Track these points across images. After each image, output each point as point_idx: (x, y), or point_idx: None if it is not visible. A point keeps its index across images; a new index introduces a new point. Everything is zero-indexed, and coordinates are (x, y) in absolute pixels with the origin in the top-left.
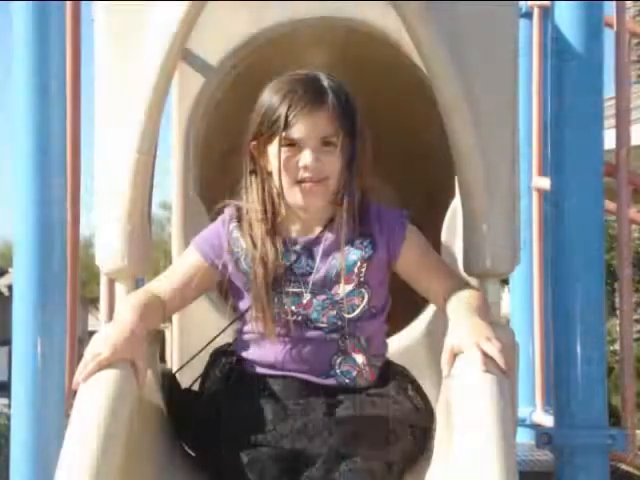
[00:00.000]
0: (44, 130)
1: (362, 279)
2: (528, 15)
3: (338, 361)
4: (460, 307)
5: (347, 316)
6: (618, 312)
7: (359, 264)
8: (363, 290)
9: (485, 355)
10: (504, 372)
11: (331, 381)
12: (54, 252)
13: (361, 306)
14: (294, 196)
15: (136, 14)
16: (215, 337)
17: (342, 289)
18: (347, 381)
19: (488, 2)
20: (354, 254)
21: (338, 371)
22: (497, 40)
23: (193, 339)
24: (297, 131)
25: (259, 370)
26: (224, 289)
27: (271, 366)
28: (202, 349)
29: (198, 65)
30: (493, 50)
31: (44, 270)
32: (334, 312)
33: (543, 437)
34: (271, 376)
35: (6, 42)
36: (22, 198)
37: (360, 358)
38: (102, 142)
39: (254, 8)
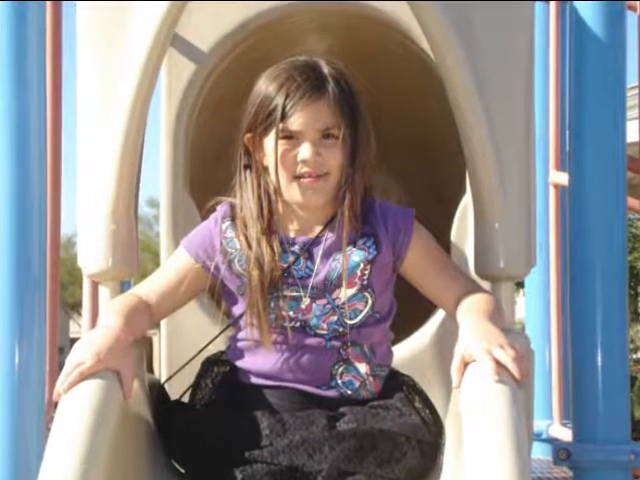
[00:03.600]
0: (22, 123)
1: (365, 282)
2: None
3: (340, 371)
4: (471, 312)
5: (349, 322)
6: None
7: (362, 266)
8: (366, 294)
9: (498, 364)
10: (518, 382)
11: (332, 392)
12: (32, 252)
13: (364, 311)
14: (292, 193)
15: (121, 4)
16: (206, 346)
17: (344, 293)
18: (349, 392)
19: None
20: (357, 255)
21: (339, 382)
22: (512, 28)
23: (183, 346)
24: (295, 123)
25: (254, 380)
26: (216, 293)
27: (267, 376)
28: (192, 358)
29: (189, 51)
30: (507, 39)
31: (22, 272)
32: (335, 318)
33: (561, 453)
34: (267, 387)
35: None
36: None
37: (363, 367)
38: (85, 135)
39: None
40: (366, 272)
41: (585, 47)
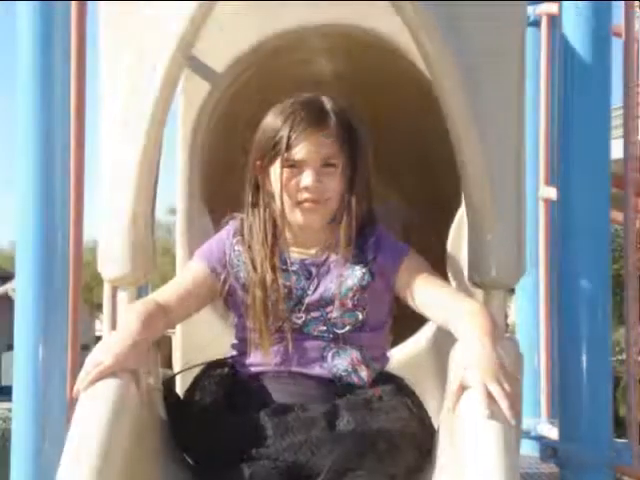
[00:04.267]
0: (47, 131)
1: (356, 302)
2: (536, 23)
3: (330, 353)
4: (472, 329)
5: (338, 331)
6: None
7: (355, 289)
8: (357, 312)
9: (491, 397)
10: (509, 418)
11: (324, 372)
12: (56, 255)
13: (354, 325)
14: (295, 216)
15: (143, 16)
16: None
17: (336, 311)
18: (342, 373)
19: (495, 3)
20: (351, 280)
21: (331, 363)
22: (505, 50)
23: (196, 346)
24: (299, 152)
25: (253, 369)
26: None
27: (264, 364)
28: (197, 365)
29: (204, 72)
30: (500, 60)
31: (46, 274)
32: (325, 328)
33: (548, 450)
34: (264, 373)
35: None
36: (24, 199)
37: (354, 353)
38: (107, 144)
39: (261, 15)
40: (358, 294)
41: (573, 70)
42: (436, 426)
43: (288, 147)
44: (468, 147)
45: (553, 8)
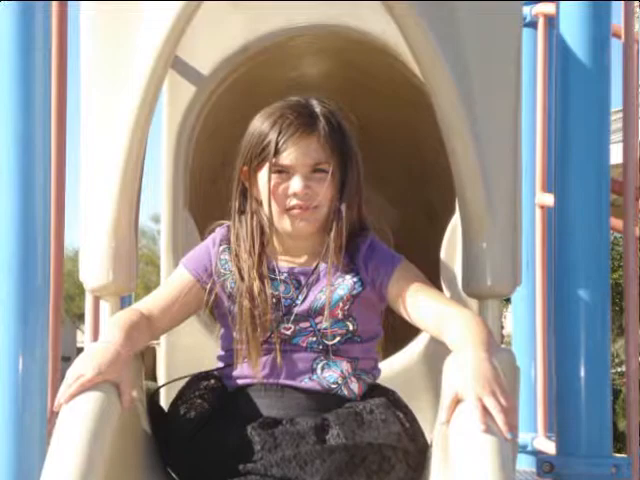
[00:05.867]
0: (28, 137)
1: (347, 313)
2: (532, 24)
3: (320, 365)
4: (466, 340)
5: (328, 342)
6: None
7: (345, 299)
8: (348, 322)
9: (487, 411)
10: (504, 433)
11: (314, 384)
12: (37, 264)
13: (344, 336)
14: (283, 223)
15: (126, 14)
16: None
17: (326, 321)
18: (332, 385)
19: (490, 4)
20: (342, 289)
21: (320, 375)
22: (499, 51)
23: (180, 357)
24: (287, 158)
25: (240, 382)
26: (210, 307)
27: (251, 376)
28: (182, 377)
29: (189, 74)
30: (495, 63)
31: (26, 283)
32: (314, 339)
33: (545, 466)
34: (252, 385)
35: None
36: (2, 206)
37: (344, 365)
38: (88, 147)
39: (248, 16)
40: (348, 304)
41: (571, 72)
42: (429, 440)
43: (276, 152)
44: (462, 151)
45: (550, 8)
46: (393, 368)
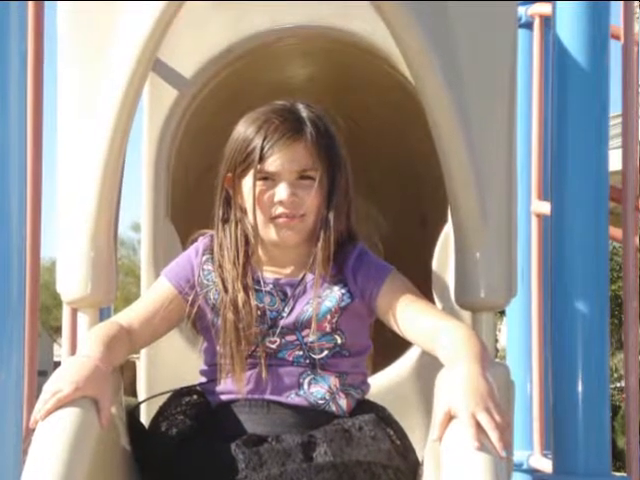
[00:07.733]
0: (2, 143)
1: (334, 326)
2: (528, 25)
3: (307, 380)
4: (459, 355)
5: (315, 357)
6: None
7: (333, 311)
8: (336, 336)
9: (480, 428)
10: (499, 450)
11: (300, 400)
12: (12, 275)
13: (332, 350)
14: (268, 232)
15: (105, 15)
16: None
17: (313, 334)
18: (319, 402)
19: (483, 3)
20: (330, 301)
21: (307, 390)
22: (493, 53)
23: (161, 372)
24: (273, 164)
25: (224, 397)
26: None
27: (235, 391)
28: (163, 393)
29: (171, 77)
30: (489, 65)
31: (0, 295)
32: (301, 352)
33: None
34: (236, 401)
35: None
36: None
37: (332, 380)
38: (65, 153)
39: (231, 17)
40: (336, 316)
41: (568, 75)
42: (421, 458)
43: (261, 158)
44: (455, 157)
45: (546, 8)
46: (383, 383)
